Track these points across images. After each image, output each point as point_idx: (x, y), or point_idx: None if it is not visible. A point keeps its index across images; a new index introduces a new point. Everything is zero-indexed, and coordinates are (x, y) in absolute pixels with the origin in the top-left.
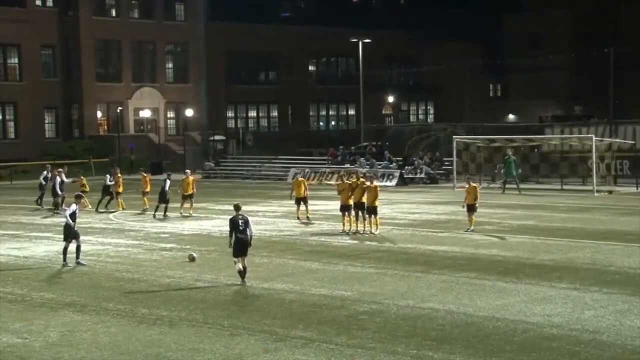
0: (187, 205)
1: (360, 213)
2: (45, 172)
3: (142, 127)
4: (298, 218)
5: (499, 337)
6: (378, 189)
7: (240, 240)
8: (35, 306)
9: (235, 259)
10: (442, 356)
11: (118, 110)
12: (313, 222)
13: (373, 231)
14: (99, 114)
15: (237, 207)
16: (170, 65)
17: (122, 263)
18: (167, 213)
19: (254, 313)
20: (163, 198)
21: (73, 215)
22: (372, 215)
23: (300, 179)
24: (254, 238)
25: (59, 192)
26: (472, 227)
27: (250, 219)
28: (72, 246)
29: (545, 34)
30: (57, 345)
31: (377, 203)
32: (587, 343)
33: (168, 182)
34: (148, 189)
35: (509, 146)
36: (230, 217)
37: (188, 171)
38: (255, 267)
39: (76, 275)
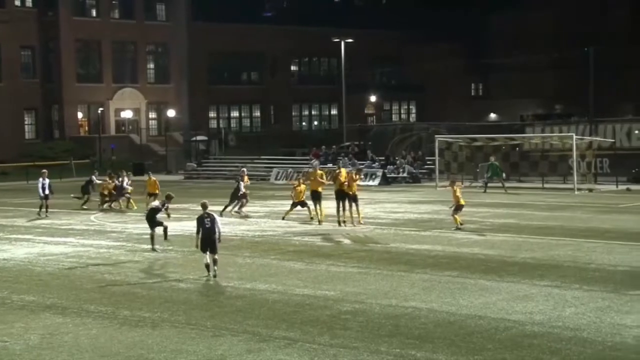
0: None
1: (342, 203)
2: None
3: (123, 128)
4: (283, 218)
5: (481, 335)
6: (352, 176)
7: (206, 236)
8: (16, 309)
9: (202, 254)
10: (424, 355)
11: (99, 111)
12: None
13: (356, 221)
14: (80, 115)
15: (203, 206)
16: (151, 65)
17: (104, 264)
18: (241, 209)
19: (237, 314)
20: (236, 197)
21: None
22: (354, 204)
23: (299, 187)
24: (223, 234)
25: (50, 194)
26: (458, 225)
27: (217, 217)
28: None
29: (527, 34)
30: (38, 348)
31: (354, 188)
32: (568, 340)
33: (242, 182)
34: (157, 192)
35: (490, 145)
36: (197, 215)
37: (244, 169)
38: (238, 267)
39: (57, 277)
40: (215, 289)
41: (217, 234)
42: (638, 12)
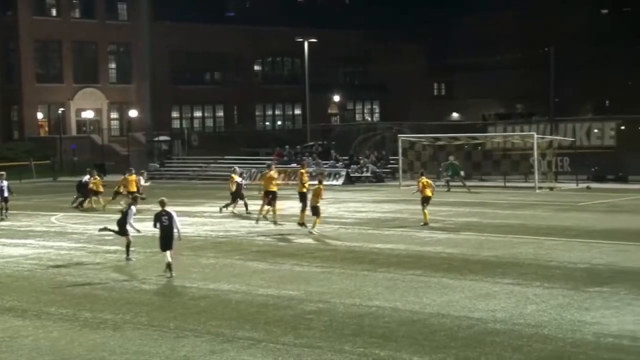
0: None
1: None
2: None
3: (84, 129)
4: (265, 217)
5: (444, 334)
6: (320, 191)
7: (164, 234)
8: None
9: (162, 252)
10: (388, 353)
11: (59, 112)
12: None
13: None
14: (40, 115)
15: (162, 203)
16: (113, 65)
17: (65, 266)
18: (229, 207)
19: (200, 314)
20: (239, 195)
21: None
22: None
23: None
24: (186, 234)
25: (9, 195)
26: (426, 221)
27: (175, 215)
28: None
29: (489, 35)
30: None
31: (318, 201)
32: (529, 337)
33: (242, 180)
34: (134, 189)
35: (453, 144)
36: (155, 212)
37: (236, 167)
38: (202, 268)
39: (17, 279)
40: (178, 289)
41: (176, 231)
42: (598, 13)
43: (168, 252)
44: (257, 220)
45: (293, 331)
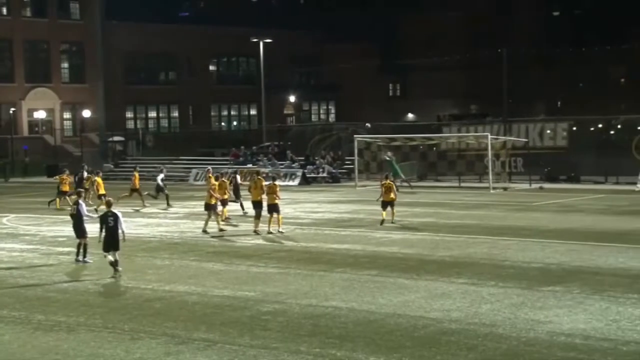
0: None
1: (260, 212)
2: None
3: (36, 129)
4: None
5: (400, 333)
6: (275, 189)
7: (109, 235)
8: None
9: (104, 253)
10: (344, 354)
11: (10, 112)
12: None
13: (279, 229)
14: None
15: (108, 204)
16: (65, 65)
17: (17, 268)
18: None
19: (155, 316)
20: (236, 195)
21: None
22: (275, 213)
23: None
24: (127, 234)
25: None
26: (393, 219)
27: (121, 216)
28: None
29: (442, 35)
30: None
31: (275, 200)
32: (484, 336)
33: (237, 177)
34: (102, 192)
35: (408, 145)
36: (101, 214)
37: (209, 168)
38: (157, 269)
39: None
40: (133, 291)
41: (120, 232)
42: (549, 15)
43: (111, 253)
44: (204, 230)
45: (249, 332)
